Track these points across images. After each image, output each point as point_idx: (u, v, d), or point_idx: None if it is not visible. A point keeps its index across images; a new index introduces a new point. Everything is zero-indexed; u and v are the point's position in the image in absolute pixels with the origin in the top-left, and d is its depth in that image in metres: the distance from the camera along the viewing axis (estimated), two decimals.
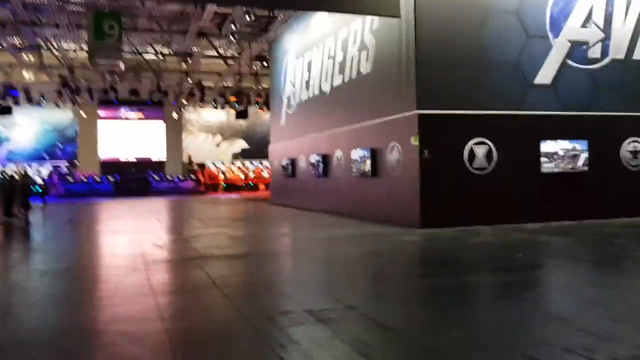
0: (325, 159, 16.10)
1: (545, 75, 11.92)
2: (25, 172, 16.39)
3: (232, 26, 21.09)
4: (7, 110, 31.16)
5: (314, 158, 16.89)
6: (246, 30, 22.86)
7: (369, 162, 12.86)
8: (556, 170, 11.65)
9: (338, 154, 15.21)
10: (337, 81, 15.40)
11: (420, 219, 10.76)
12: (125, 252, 8.87)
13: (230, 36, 23.14)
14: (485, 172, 11.21)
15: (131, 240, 10.13)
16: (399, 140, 11.64)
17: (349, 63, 14.44)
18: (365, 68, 13.34)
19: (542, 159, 11.58)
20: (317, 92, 17.16)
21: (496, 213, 11.12)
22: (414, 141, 10.85)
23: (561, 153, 11.71)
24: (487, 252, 8.32)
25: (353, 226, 11.98)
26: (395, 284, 6.04)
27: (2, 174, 17.24)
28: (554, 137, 11.70)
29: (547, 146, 11.63)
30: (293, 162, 19.16)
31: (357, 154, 13.56)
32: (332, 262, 7.78)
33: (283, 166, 20.06)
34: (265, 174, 36.48)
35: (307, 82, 18.03)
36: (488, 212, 11.08)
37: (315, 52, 17.41)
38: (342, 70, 15.02)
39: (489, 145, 11.25)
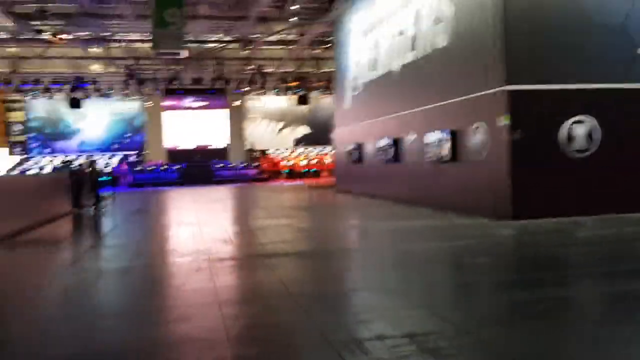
0: (396, 143, 14.98)
1: None
2: (93, 162, 16.26)
3: (293, 7, 20.32)
4: (77, 103, 31.96)
5: (382, 142, 15.83)
6: (307, 11, 22.02)
7: (447, 145, 11.66)
8: None
9: (410, 137, 14.07)
10: (409, 58, 14.20)
11: (512, 208, 9.51)
12: (190, 247, 8.24)
13: (291, 17, 22.38)
14: (586, 154, 9.77)
15: (196, 233, 9.53)
16: (483, 121, 10.39)
17: (422, 37, 13.20)
18: (442, 41, 12.06)
19: None
20: (385, 71, 16.02)
21: (598, 201, 9.67)
22: (504, 120, 9.58)
23: None
24: (605, 250, 7.00)
25: (431, 217, 10.88)
26: (509, 295, 4.91)
27: (70, 165, 17.25)
28: None
29: None
30: (359, 147, 18.16)
31: (433, 136, 12.38)
32: (419, 262, 6.76)
33: (349, 151, 19.10)
34: (329, 160, 35.69)
35: (374, 62, 16.91)
36: (589, 200, 9.66)
37: (382, 28, 16.23)
38: (414, 46, 13.80)
39: (590, 124, 9.79)
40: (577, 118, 9.71)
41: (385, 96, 16.21)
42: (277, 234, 9.27)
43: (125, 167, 34.27)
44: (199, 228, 10.33)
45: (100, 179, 18.10)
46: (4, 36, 24.22)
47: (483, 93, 10.34)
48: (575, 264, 6.41)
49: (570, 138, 9.70)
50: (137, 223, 12.65)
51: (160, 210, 16.02)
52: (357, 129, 18.54)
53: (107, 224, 12.97)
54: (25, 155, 34.34)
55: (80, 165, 17.64)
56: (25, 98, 33.17)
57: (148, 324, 4.30)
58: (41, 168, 31.79)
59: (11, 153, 34.34)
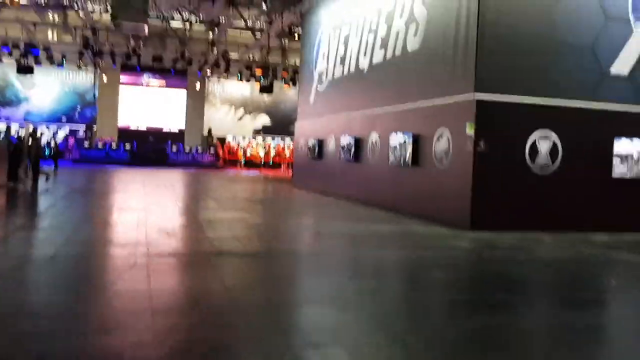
0: (358, 142, 14.63)
1: (623, 64, 10.27)
2: (35, 132, 15.14)
3: None
4: (27, 70, 30.15)
5: (345, 140, 15.44)
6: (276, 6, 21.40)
7: (410, 149, 11.37)
8: (629, 175, 10.06)
9: (373, 137, 13.73)
10: (378, 57, 13.84)
11: (471, 219, 9.30)
12: (129, 236, 7.59)
13: (262, 4, 21.68)
14: (549, 170, 9.67)
15: (138, 221, 8.85)
16: (448, 128, 10.13)
17: (393, 38, 12.85)
18: (413, 44, 11.75)
19: (615, 160, 9.99)
20: (353, 68, 15.61)
21: (558, 219, 9.61)
22: (470, 129, 9.33)
23: (637, 156, 10.10)
24: (568, 272, 6.79)
25: (389, 221, 10.56)
26: (463, 319, 4.58)
27: (6, 134, 16.04)
28: (630, 135, 10.08)
29: (621, 145, 10.02)
30: (320, 143, 17.73)
31: (397, 139, 12.07)
32: (373, 272, 6.38)
33: (309, 147, 18.64)
34: (287, 153, 35.12)
35: (343, 58, 16.47)
36: (549, 217, 9.58)
37: (353, 25, 15.81)
38: (384, 46, 13.44)
39: (554, 140, 9.68)
40: (542, 133, 9.58)
41: (351, 93, 15.82)
42: (227, 228, 8.72)
43: (72, 141, 32.66)
44: (142, 215, 9.64)
45: (42, 152, 16.98)
46: None
47: (450, 99, 10.08)
48: (531, 286, 6.17)
49: (534, 153, 9.56)
50: (75, 203, 11.80)
51: (104, 192, 15.10)
52: (320, 124, 18.09)
53: (41, 202, 12.04)
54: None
55: (20, 135, 16.43)
56: None
57: (61, 333, 3.65)
58: None
59: None
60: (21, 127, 30.43)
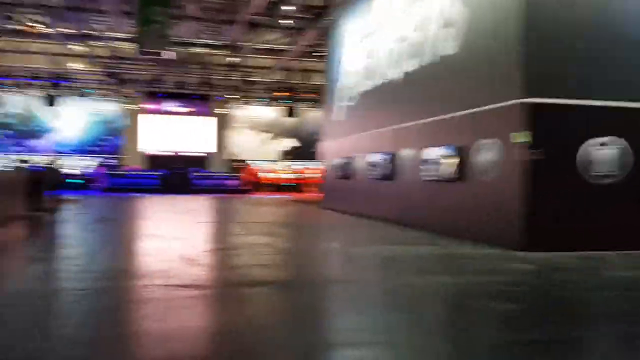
0: (390, 158, 13.77)
1: None
2: (52, 162, 14.72)
3: (284, 8, 19.21)
4: (53, 101, 30.39)
5: (375, 157, 14.61)
6: (299, 17, 20.91)
7: (450, 162, 10.45)
8: None
9: (406, 152, 12.86)
10: (409, 66, 13.05)
11: (524, 238, 8.28)
12: (148, 266, 6.86)
13: (282, 21, 21.21)
14: (613, 181, 8.61)
15: (160, 249, 8.14)
16: (494, 137, 9.20)
17: (427, 43, 12.04)
18: (450, 48, 10.90)
19: None
20: (381, 81, 14.87)
21: (626, 235, 8.49)
22: (519, 138, 8.39)
23: None
24: None
25: (427, 242, 9.61)
26: None
27: (26, 163, 15.67)
28: None
29: None
30: (349, 162, 16.92)
31: (432, 152, 11.18)
32: (420, 303, 5.42)
33: (336, 166, 17.86)
34: (315, 175, 34.40)
35: (370, 70, 15.76)
36: (614, 233, 8.46)
37: (381, 34, 15.13)
38: (417, 53, 12.65)
39: (619, 147, 8.63)
40: (604, 139, 8.56)
41: (380, 107, 15.04)
42: (253, 255, 7.91)
43: (100, 170, 32.61)
44: (165, 242, 8.93)
45: (62, 180, 16.55)
46: None
47: (496, 105, 9.17)
48: (614, 319, 5.11)
49: (594, 161, 8.53)
50: (95, 233, 11.16)
51: (128, 219, 14.54)
52: (347, 143, 17.32)
53: (62, 230, 11.47)
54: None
55: (39, 165, 16.06)
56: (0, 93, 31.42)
57: None
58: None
59: None
60: (42, 157, 30.49)
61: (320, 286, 6.11)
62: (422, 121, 12.16)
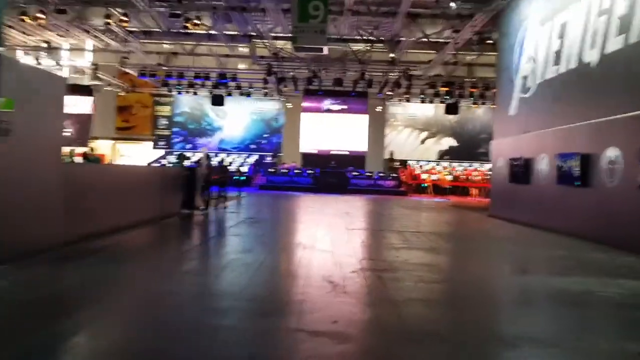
0: (585, 160, 11.06)
1: None
2: (208, 157, 14.45)
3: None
4: (219, 100, 31.69)
5: (563, 159, 11.95)
6: (467, 2, 18.57)
7: None
8: None
9: (611, 153, 10.11)
10: (614, 45, 10.29)
11: None
12: (280, 292, 5.56)
13: (446, 9, 19.04)
14: None
15: (301, 265, 6.84)
16: None
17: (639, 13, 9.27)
18: None
19: None
20: (573, 64, 12.14)
21: None
22: None
23: None
24: None
25: None
26: None
27: (185, 160, 15.67)
28: None
29: None
30: (526, 163, 14.31)
31: None
32: None
33: (511, 168, 15.31)
34: (478, 177, 31.45)
35: (557, 53, 13.04)
36: None
37: (571, 11, 12.39)
38: (625, 28, 9.88)
39: None
40: None
41: (570, 98, 12.32)
42: (415, 282, 6.14)
43: (255, 168, 33.43)
44: (308, 254, 7.64)
45: (231, 177, 16.38)
46: (157, 30, 24.22)
47: None
48: None
49: None
50: (236, 238, 10.25)
51: (275, 221, 13.70)
52: (525, 140, 14.70)
53: (210, 231, 10.91)
54: (168, 150, 34.99)
55: (197, 161, 16.04)
56: (173, 93, 33.76)
57: None
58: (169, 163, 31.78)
59: (155, 146, 35.22)
60: (196, 152, 31.92)
61: (515, 347, 4.16)
62: (633, 113, 9.38)
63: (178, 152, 30.66)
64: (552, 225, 12.15)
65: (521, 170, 14.51)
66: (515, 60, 15.96)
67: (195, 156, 28.34)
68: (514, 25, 16.29)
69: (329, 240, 9.55)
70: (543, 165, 13.27)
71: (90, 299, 4.97)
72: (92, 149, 32.94)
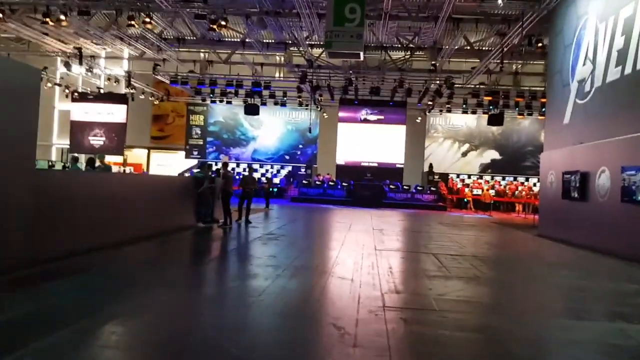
0: None
1: None
2: (225, 165, 13.36)
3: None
4: (253, 110, 30.81)
5: (629, 173, 10.31)
6: (514, 4, 17.03)
7: None
8: None
9: None
10: None
11: None
12: (270, 345, 4.31)
13: (498, 1, 17.52)
14: None
15: (308, 304, 5.59)
16: None
17: None
18: None
19: None
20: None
21: None
22: None
23: None
24: None
25: None
26: None
27: (199, 169, 14.66)
28: None
29: None
30: (584, 178, 12.64)
31: None
32: None
33: (565, 183, 13.64)
34: (522, 192, 29.45)
35: (621, 53, 11.42)
36: None
37: (636, 6, 10.80)
38: None
39: None
40: None
41: (637, 102, 10.68)
42: (450, 332, 4.78)
43: (291, 179, 32.39)
44: (323, 284, 6.36)
45: (257, 188, 15.26)
46: (191, 39, 23.68)
47: None
48: None
49: None
50: (249, 258, 9.09)
51: (298, 239, 12.43)
52: (580, 152, 13.04)
53: (226, 248, 9.77)
54: (202, 160, 34.37)
55: (216, 170, 15.02)
56: (207, 102, 33.19)
57: None
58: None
59: (187, 156, 34.67)
60: (216, 161, 31.04)
61: None
62: None
63: (202, 161, 29.93)
64: (615, 249, 10.49)
65: (576, 185, 12.85)
66: (571, 62, 14.32)
67: (218, 165, 27.54)
68: (570, 23, 14.68)
69: (351, 264, 8.22)
70: (603, 179, 11.61)
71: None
72: (125, 159, 32.75)
